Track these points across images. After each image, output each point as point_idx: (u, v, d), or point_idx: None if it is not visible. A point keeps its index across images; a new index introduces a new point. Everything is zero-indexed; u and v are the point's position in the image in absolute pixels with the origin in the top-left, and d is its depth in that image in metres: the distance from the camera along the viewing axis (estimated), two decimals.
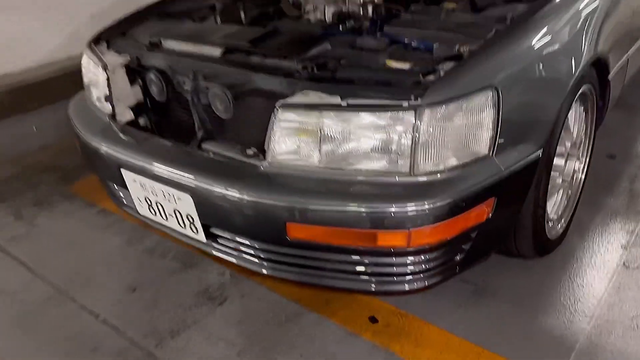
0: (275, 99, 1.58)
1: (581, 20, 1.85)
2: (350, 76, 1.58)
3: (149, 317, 1.95)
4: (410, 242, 1.45)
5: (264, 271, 1.70)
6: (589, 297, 1.88)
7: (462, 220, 1.48)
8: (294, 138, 1.53)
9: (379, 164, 1.47)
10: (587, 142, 2.15)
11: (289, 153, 1.54)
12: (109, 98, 2.02)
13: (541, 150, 1.64)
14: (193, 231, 1.78)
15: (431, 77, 1.53)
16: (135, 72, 2.05)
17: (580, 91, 1.90)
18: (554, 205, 2.00)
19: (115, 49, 2.15)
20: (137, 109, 2.09)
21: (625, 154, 2.73)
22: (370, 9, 2.08)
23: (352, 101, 1.48)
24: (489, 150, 1.51)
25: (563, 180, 2.03)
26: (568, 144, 1.96)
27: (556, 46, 1.73)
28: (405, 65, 1.62)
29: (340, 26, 2.11)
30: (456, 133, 1.46)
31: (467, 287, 1.94)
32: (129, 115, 2.07)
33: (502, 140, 1.52)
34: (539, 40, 1.69)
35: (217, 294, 2.02)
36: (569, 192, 2.11)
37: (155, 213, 1.87)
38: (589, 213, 2.28)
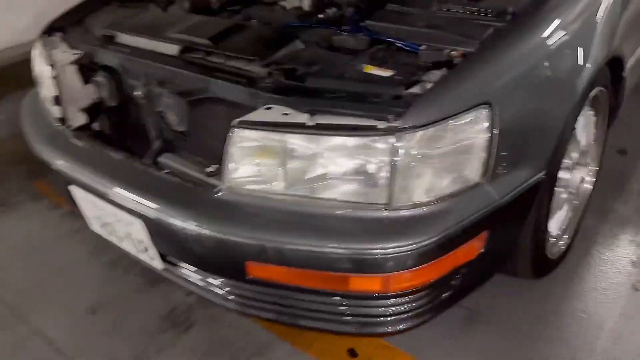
0: (238, 110, 1.36)
1: (595, 14, 1.60)
2: (321, 86, 1.35)
3: (108, 345, 1.77)
4: (388, 287, 1.25)
5: (230, 307, 1.49)
6: (594, 327, 1.68)
7: (449, 260, 1.28)
8: (253, 161, 1.31)
9: (351, 194, 1.25)
10: (598, 147, 1.91)
11: (249, 178, 1.32)
12: (57, 100, 1.79)
13: (544, 172, 1.41)
14: (148, 257, 1.58)
15: (415, 90, 1.30)
16: (88, 69, 1.82)
17: (591, 95, 1.65)
18: (557, 220, 1.78)
19: (69, 41, 1.91)
20: (93, 111, 1.87)
21: (638, 150, 2.49)
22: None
23: (320, 120, 1.25)
24: (482, 177, 1.29)
25: (569, 193, 1.80)
26: (575, 155, 1.72)
27: (565, 46, 1.49)
28: (386, 72, 1.38)
29: (319, 15, 1.86)
30: (442, 159, 1.24)
31: (458, 313, 1.75)
32: (81, 119, 1.85)
33: (497, 165, 1.29)
34: (545, 40, 1.44)
35: (184, 318, 1.83)
36: (575, 202, 1.89)
37: (109, 234, 1.67)
38: (596, 221, 2.06)
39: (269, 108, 1.33)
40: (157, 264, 1.57)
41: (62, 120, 1.80)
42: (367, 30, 1.61)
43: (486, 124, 1.26)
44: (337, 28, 1.70)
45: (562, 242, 1.83)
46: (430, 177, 1.23)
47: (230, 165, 1.32)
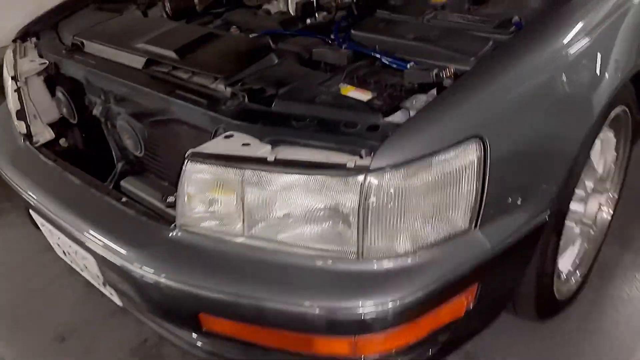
0: (205, 133, 1.20)
1: (618, 23, 1.38)
2: (289, 111, 1.18)
3: None
4: (358, 351, 1.07)
5: (198, 354, 1.33)
6: None
7: (431, 320, 1.09)
8: (209, 197, 1.14)
9: (318, 242, 1.08)
10: (619, 171, 1.69)
11: (204, 216, 1.16)
12: (20, 114, 1.66)
13: (548, 211, 1.21)
14: (108, 292, 1.44)
15: (395, 118, 1.11)
16: (55, 80, 1.69)
17: (611, 116, 1.44)
18: (569, 257, 1.57)
19: (40, 48, 1.78)
20: (62, 126, 1.74)
21: None
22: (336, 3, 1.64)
23: (283, 154, 1.08)
24: (471, 223, 1.10)
25: (583, 225, 1.59)
26: (591, 184, 1.51)
27: (581, 61, 1.28)
28: (364, 95, 1.20)
29: (309, 20, 1.68)
30: (423, 202, 1.05)
31: (452, 356, 1.56)
32: (48, 135, 1.72)
33: (490, 208, 1.10)
34: (555, 55, 1.23)
35: (154, 352, 1.70)
36: (592, 233, 1.67)
37: (71, 262, 1.54)
38: (616, 251, 1.84)
39: (229, 136, 1.16)
40: (117, 300, 1.43)
41: (28, 135, 1.68)
42: (351, 41, 1.43)
43: (475, 161, 1.06)
44: (322, 37, 1.52)
45: (574, 281, 1.62)
46: (409, 224, 1.05)
47: (184, 202, 1.16)
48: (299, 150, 1.09)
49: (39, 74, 1.69)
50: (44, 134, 1.71)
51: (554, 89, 1.22)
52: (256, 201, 1.09)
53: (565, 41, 1.26)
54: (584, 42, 1.29)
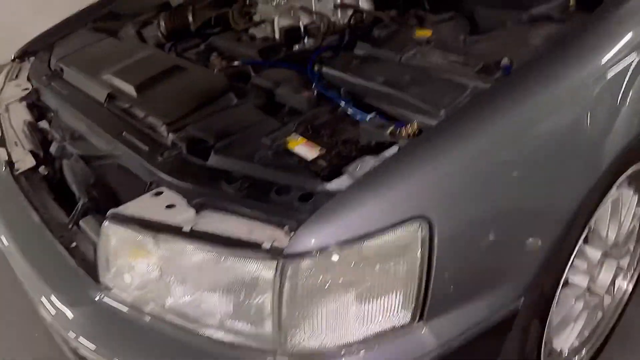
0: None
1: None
2: (225, 167, 1.06)
3: None
4: None
5: None
6: None
7: None
8: (128, 262, 1.04)
9: (230, 331, 0.94)
10: None
11: (123, 284, 1.05)
12: (1, 141, 1.63)
13: (522, 299, 1.01)
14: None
15: (336, 185, 0.96)
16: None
17: (628, 173, 1.20)
18: (569, 335, 1.34)
19: (30, 71, 1.75)
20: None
21: None
22: (326, 27, 1.49)
23: (203, 223, 0.96)
24: (414, 316, 0.92)
25: (593, 295, 1.35)
26: (597, 253, 1.26)
27: (584, 114, 1.06)
28: (311, 152, 1.05)
29: (296, 47, 1.55)
30: (352, 293, 0.89)
31: None
32: (29, 162, 1.68)
33: (438, 297, 0.92)
34: (541, 110, 1.02)
35: None
36: (607, 301, 1.43)
37: None
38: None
39: (158, 193, 1.06)
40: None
41: (9, 162, 1.65)
42: (320, 79, 1.28)
43: (419, 245, 0.89)
44: (297, 69, 1.38)
45: (579, 358, 1.38)
46: (334, 318, 0.89)
47: (103, 264, 1.06)
48: (224, 218, 0.96)
49: (22, 99, 1.66)
50: (25, 161, 1.67)
51: (537, 151, 1.01)
52: (171, 272, 0.98)
53: (557, 92, 1.04)
54: (589, 89, 1.07)
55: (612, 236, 1.28)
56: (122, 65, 1.45)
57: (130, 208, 1.03)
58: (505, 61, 1.12)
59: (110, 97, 1.37)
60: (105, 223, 1.03)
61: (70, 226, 1.38)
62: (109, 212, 1.04)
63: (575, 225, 1.08)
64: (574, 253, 1.12)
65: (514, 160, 0.98)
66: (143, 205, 1.04)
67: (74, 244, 1.28)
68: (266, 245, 0.88)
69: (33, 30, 1.92)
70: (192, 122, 1.18)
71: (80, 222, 1.40)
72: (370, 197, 0.89)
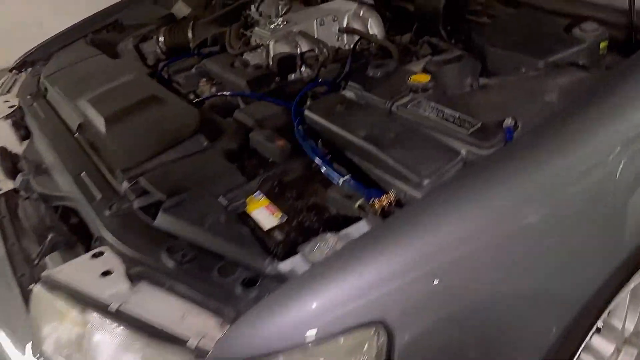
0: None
1: None
2: (173, 230, 0.93)
3: None
4: None
5: None
6: None
7: None
8: (57, 331, 0.93)
9: None
10: None
11: (55, 351, 0.94)
12: None
13: None
14: None
15: (289, 265, 0.81)
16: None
17: None
18: None
19: (21, 87, 1.68)
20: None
21: None
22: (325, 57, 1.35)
23: (134, 301, 0.84)
24: None
25: None
26: (610, 346, 1.07)
27: (610, 186, 0.88)
28: (272, 218, 0.91)
29: (292, 76, 1.42)
30: None
31: None
32: (11, 184, 1.61)
33: None
34: (545, 193, 0.85)
35: None
36: None
37: None
38: None
39: (98, 254, 0.94)
40: None
41: None
42: (302, 122, 1.14)
43: (374, 355, 0.74)
44: (286, 105, 1.24)
45: None
46: None
47: (35, 329, 0.96)
48: (158, 296, 0.84)
49: (7, 116, 1.59)
50: (7, 182, 1.60)
51: (536, 244, 0.84)
52: (94, 346, 0.86)
53: (572, 162, 0.87)
54: (607, 164, 0.89)
55: (630, 326, 1.09)
56: (101, 91, 1.35)
57: (65, 272, 0.93)
58: (508, 122, 0.94)
59: (81, 127, 1.27)
60: (37, 287, 0.93)
61: (36, 262, 1.30)
62: (42, 274, 0.94)
63: (582, 322, 0.90)
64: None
65: (501, 261, 0.81)
66: (79, 269, 0.93)
67: (32, 286, 1.19)
68: (192, 342, 0.75)
69: (50, 31, 1.85)
70: (150, 170, 1.06)
71: (46, 259, 1.31)
72: (321, 294, 0.74)
